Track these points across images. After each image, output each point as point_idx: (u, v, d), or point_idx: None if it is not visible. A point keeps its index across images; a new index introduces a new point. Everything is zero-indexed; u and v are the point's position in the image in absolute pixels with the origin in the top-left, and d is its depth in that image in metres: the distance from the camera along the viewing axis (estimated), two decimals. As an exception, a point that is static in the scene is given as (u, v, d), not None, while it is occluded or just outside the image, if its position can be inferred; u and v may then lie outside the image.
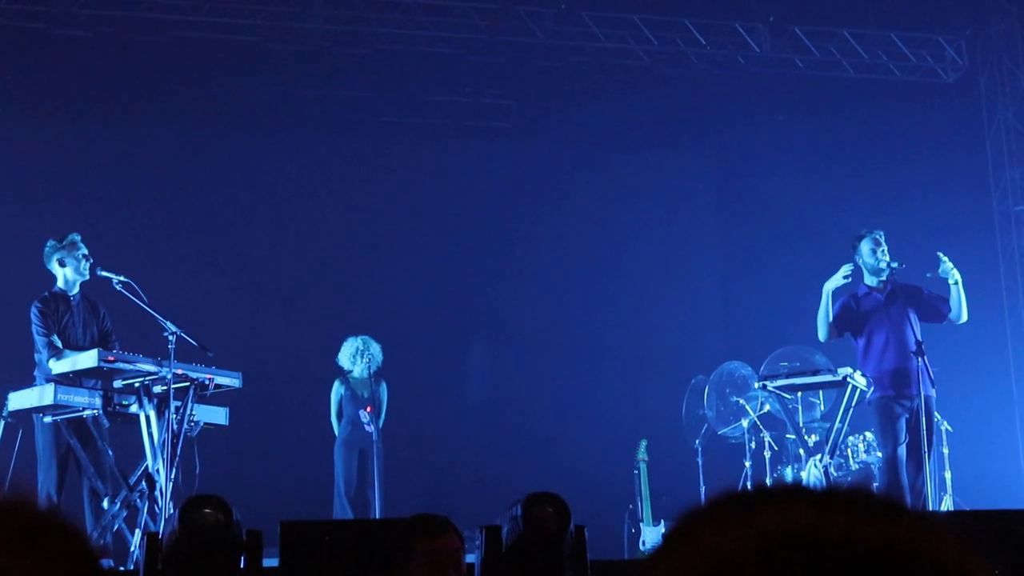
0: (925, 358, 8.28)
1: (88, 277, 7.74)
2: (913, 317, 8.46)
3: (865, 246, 8.58)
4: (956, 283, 8.44)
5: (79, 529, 1.09)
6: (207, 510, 5.24)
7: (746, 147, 12.46)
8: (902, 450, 8.31)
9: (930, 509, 8.37)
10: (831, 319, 8.53)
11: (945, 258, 8.46)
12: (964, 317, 8.55)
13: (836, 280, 8.47)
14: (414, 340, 11.12)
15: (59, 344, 7.52)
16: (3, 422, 7.52)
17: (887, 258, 8.51)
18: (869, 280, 8.64)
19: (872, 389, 8.35)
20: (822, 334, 8.56)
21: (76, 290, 7.77)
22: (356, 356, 9.52)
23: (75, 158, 11.30)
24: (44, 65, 10.73)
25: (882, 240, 8.60)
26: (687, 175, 12.99)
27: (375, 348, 9.56)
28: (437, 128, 12.19)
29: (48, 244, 7.81)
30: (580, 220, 12.31)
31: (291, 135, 11.91)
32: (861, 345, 8.59)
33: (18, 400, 7.40)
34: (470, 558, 5.95)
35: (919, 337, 8.37)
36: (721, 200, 13.11)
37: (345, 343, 9.60)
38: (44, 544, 1.03)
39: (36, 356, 7.60)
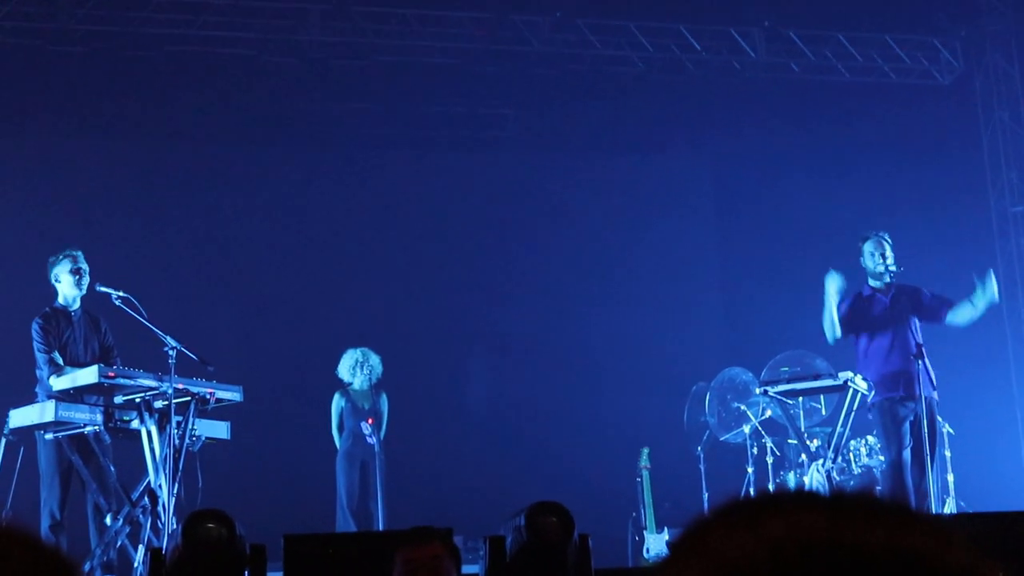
0: (927, 360, 8.28)
1: (87, 292, 7.74)
2: (914, 320, 8.47)
3: (867, 249, 8.60)
4: (990, 303, 8.44)
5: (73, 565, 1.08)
6: (210, 525, 5.25)
7: (743, 152, 12.47)
8: (907, 453, 8.31)
9: (934, 512, 8.37)
10: (839, 318, 8.52)
11: (993, 279, 8.46)
12: (963, 325, 8.55)
13: (832, 290, 8.46)
14: (414, 351, 11.12)
15: (60, 361, 7.52)
16: (4, 440, 7.52)
17: (890, 262, 8.51)
18: (872, 282, 8.65)
19: (873, 392, 8.35)
20: (831, 334, 8.54)
21: (77, 305, 7.78)
22: (356, 368, 9.52)
23: (74, 173, 11.31)
24: (40, 81, 10.74)
25: (886, 244, 8.59)
26: (685, 181, 12.99)
27: (375, 360, 9.56)
28: (435, 139, 12.20)
29: (51, 258, 7.81)
30: (579, 228, 12.31)
31: (289, 148, 11.92)
32: (863, 347, 8.60)
33: (19, 417, 7.40)
34: (474, 568, 5.96)
35: (920, 340, 8.38)
36: (719, 206, 13.11)
37: (345, 355, 9.61)
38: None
39: (37, 372, 7.60)
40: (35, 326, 7.61)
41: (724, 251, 12.98)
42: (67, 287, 7.74)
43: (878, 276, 8.58)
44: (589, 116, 12.01)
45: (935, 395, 8.40)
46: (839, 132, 11.94)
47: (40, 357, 7.56)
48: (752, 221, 12.41)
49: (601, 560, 6.15)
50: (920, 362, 8.25)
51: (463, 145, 12.32)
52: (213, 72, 10.92)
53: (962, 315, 8.51)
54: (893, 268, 8.50)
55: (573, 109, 11.93)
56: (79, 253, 7.81)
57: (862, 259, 8.65)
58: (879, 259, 8.53)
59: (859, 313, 8.57)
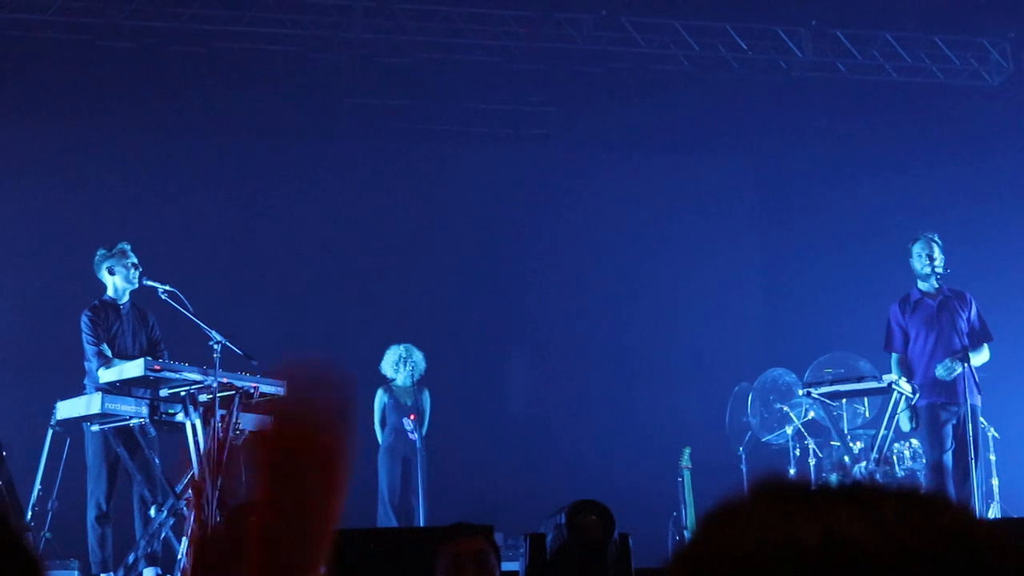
0: (971, 365, 8.23)
1: (137, 286, 7.81)
2: (962, 325, 8.41)
3: (916, 250, 8.55)
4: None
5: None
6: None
7: (788, 152, 12.41)
8: (948, 457, 8.26)
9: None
10: (893, 328, 8.56)
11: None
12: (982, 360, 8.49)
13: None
14: (456, 348, 11.14)
15: (108, 353, 7.59)
16: (51, 431, 7.60)
17: (938, 263, 8.46)
18: (921, 285, 8.60)
19: (918, 396, 8.30)
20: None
21: (126, 299, 7.85)
22: (399, 364, 9.56)
23: (121, 167, 11.40)
24: (90, 76, 10.82)
25: (935, 245, 8.53)
26: (729, 180, 12.94)
27: (418, 356, 9.60)
28: (478, 136, 12.21)
29: (98, 253, 7.88)
30: (621, 227, 12.28)
31: (333, 144, 11.97)
32: (909, 350, 8.56)
33: (66, 409, 7.48)
34: (515, 566, 5.97)
35: (965, 343, 8.32)
36: (763, 205, 13.06)
37: (388, 351, 9.65)
38: None
39: (86, 364, 7.67)
40: (84, 318, 7.68)
41: (767, 251, 12.92)
42: (119, 280, 7.81)
43: (926, 278, 8.53)
44: (633, 114, 11.96)
45: (979, 400, 8.34)
46: (886, 133, 11.85)
47: (89, 349, 7.63)
48: (796, 221, 12.35)
49: (641, 559, 6.15)
50: (965, 366, 8.20)
51: (506, 143, 12.33)
52: (256, 68, 10.96)
53: (979, 355, 8.48)
54: (940, 270, 8.45)
55: (617, 108, 11.90)
56: (129, 247, 7.87)
57: (911, 260, 8.61)
58: (927, 261, 8.48)
59: (905, 319, 8.55)
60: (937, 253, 8.49)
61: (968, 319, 8.48)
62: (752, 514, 0.95)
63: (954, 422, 8.28)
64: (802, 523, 0.92)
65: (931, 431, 8.32)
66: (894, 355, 8.60)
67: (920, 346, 8.48)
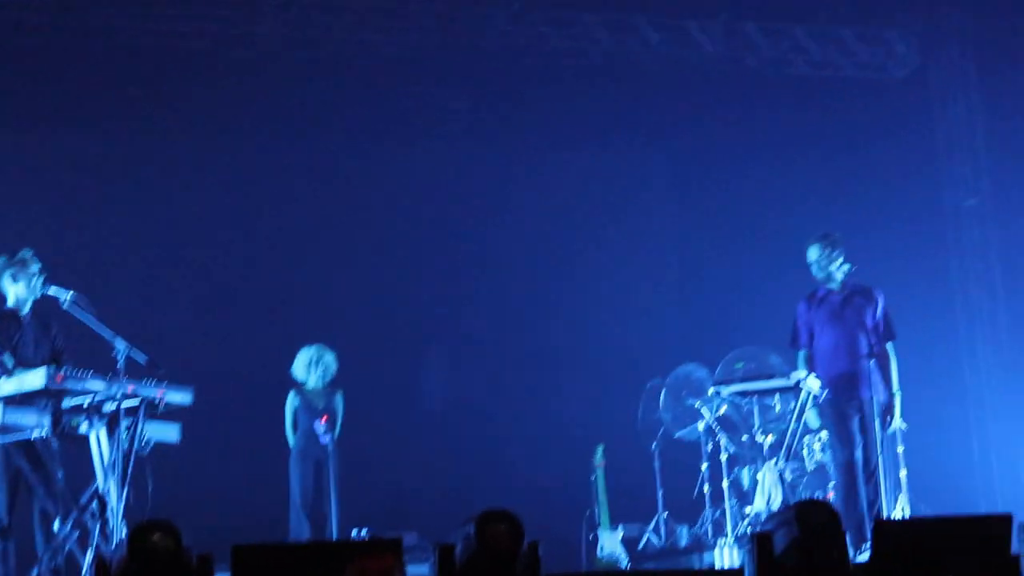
0: (875, 361, 8.32)
1: (40, 295, 7.61)
2: (867, 321, 8.49)
3: (810, 257, 8.61)
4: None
5: None
6: (156, 535, 5.20)
7: (700, 147, 12.46)
8: (858, 453, 8.35)
9: (884, 511, 8.44)
10: (798, 325, 8.62)
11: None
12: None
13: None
14: (370, 349, 11.04)
15: (9, 364, 7.40)
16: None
17: (835, 267, 8.53)
18: (828, 283, 8.67)
19: (825, 393, 8.38)
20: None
21: (28, 308, 7.66)
22: (310, 366, 9.48)
23: (22, 167, 11.14)
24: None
25: (832, 245, 8.59)
26: (642, 176, 12.97)
27: (329, 357, 9.52)
28: (390, 132, 12.10)
29: (1, 258, 7.67)
30: (535, 223, 12.26)
31: (241, 142, 11.79)
32: (813, 346, 8.64)
33: (-36, 422, 7.29)
34: (426, 570, 5.93)
35: (871, 340, 8.41)
36: (676, 200, 13.11)
37: (299, 353, 9.56)
38: None
39: None
40: None
41: (681, 246, 12.98)
42: (21, 289, 7.61)
43: (824, 281, 8.61)
44: (545, 110, 11.95)
45: (883, 396, 8.42)
46: (796, 125, 11.93)
47: None
48: (709, 215, 12.42)
49: (556, 560, 6.14)
50: (870, 362, 8.29)
51: (416, 140, 12.23)
52: (168, 64, 10.79)
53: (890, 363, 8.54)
54: (837, 271, 8.52)
55: (529, 103, 11.87)
56: (31, 254, 7.65)
57: (809, 264, 8.68)
58: (823, 267, 8.55)
59: (810, 315, 8.62)
60: (833, 256, 8.55)
61: (873, 315, 8.56)
62: None
63: (859, 417, 8.36)
64: None
65: (837, 427, 8.41)
66: (800, 352, 8.68)
67: (823, 342, 8.57)
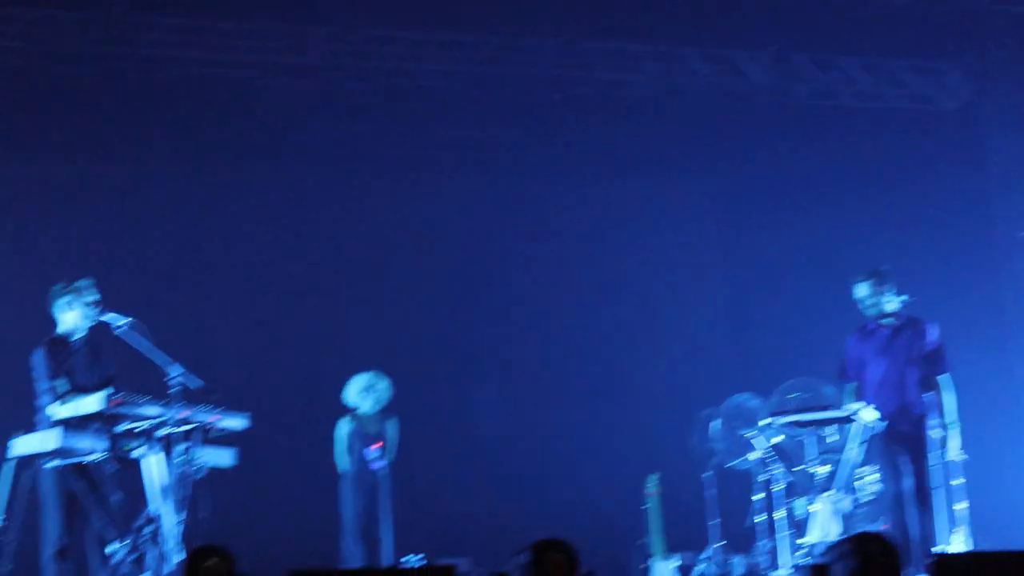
0: (933, 393, 8.24)
1: (94, 323, 7.65)
2: (915, 354, 8.42)
3: (860, 292, 8.56)
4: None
5: None
6: (212, 560, 5.23)
7: (751, 177, 12.44)
8: (907, 483, 8.26)
9: (937, 544, 8.33)
10: (841, 373, 8.58)
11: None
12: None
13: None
14: (422, 376, 11.05)
15: (61, 390, 7.44)
16: (9, 464, 7.44)
17: (886, 301, 8.46)
18: (878, 318, 8.60)
19: (881, 424, 8.28)
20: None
21: (81, 334, 7.70)
22: (364, 392, 9.49)
23: (74, 197, 11.23)
24: (42, 102, 10.67)
25: (881, 281, 8.52)
26: (691, 206, 12.95)
27: (383, 384, 9.53)
28: (440, 162, 12.14)
29: (55, 288, 7.72)
30: (586, 254, 12.25)
31: (294, 171, 11.86)
32: (862, 379, 8.57)
33: (22, 446, 7.32)
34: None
35: (922, 372, 8.32)
36: (727, 229, 13.07)
37: (353, 380, 9.57)
38: None
39: (36, 403, 7.50)
40: (37, 355, 7.53)
41: (732, 276, 12.93)
42: (76, 317, 7.66)
43: (875, 317, 8.55)
44: (594, 140, 11.96)
45: (939, 428, 8.31)
46: (844, 157, 11.90)
47: (41, 386, 7.47)
48: (760, 247, 12.36)
49: (608, 591, 6.11)
50: (919, 396, 8.23)
51: (468, 169, 12.27)
52: (216, 95, 10.87)
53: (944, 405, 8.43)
54: (885, 308, 8.45)
55: (578, 133, 11.89)
56: (88, 283, 7.67)
57: (857, 302, 8.63)
58: (871, 304, 8.49)
59: (861, 346, 8.57)
60: (881, 291, 8.48)
61: (922, 348, 8.48)
62: None
63: (906, 450, 8.26)
64: None
65: (883, 461, 8.32)
66: (848, 385, 8.63)
67: (871, 376, 8.51)
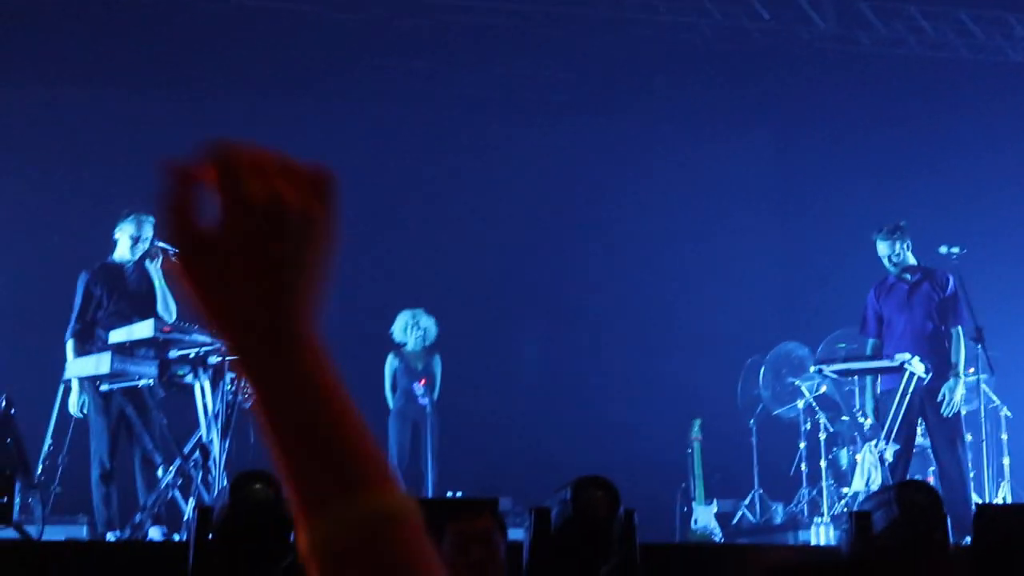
0: (951, 344, 8.20)
1: (136, 258, 7.76)
2: (933, 308, 8.36)
3: (883, 249, 8.48)
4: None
5: None
6: (257, 486, 5.29)
7: (808, 125, 12.29)
8: (917, 441, 8.33)
9: (981, 496, 8.34)
10: (862, 328, 8.55)
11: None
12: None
13: None
14: (470, 315, 11.09)
15: (78, 326, 7.59)
16: (63, 385, 7.59)
17: (903, 257, 8.39)
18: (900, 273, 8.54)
19: (930, 376, 8.24)
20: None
21: (132, 260, 7.80)
22: (409, 329, 9.57)
23: (133, 127, 11.31)
24: (103, 34, 10.71)
25: (901, 237, 8.43)
26: (747, 153, 12.83)
27: (428, 321, 9.60)
28: (496, 101, 12.11)
29: (123, 212, 7.83)
30: (640, 197, 12.17)
31: (349, 105, 11.86)
32: (883, 334, 8.54)
33: (76, 368, 7.48)
34: (520, 533, 5.96)
35: (941, 324, 8.28)
36: (782, 180, 12.94)
37: (399, 316, 9.66)
38: None
39: (76, 325, 7.67)
40: (80, 281, 7.70)
41: (785, 225, 12.83)
42: (123, 248, 7.79)
43: (897, 272, 8.49)
44: (652, 84, 11.86)
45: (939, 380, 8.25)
46: (907, 107, 11.74)
47: (79, 308, 7.65)
48: (813, 196, 12.24)
49: (648, 531, 6.15)
50: (942, 346, 8.19)
51: (523, 109, 12.21)
52: (272, 27, 10.85)
53: (954, 349, 8.34)
54: (901, 262, 8.38)
55: (636, 77, 11.80)
56: (144, 221, 7.76)
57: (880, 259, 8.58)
58: (895, 259, 8.42)
59: (881, 302, 8.53)
60: (902, 247, 8.41)
61: (942, 300, 8.40)
62: None
63: (915, 404, 8.22)
64: None
65: (892, 416, 8.26)
66: (870, 340, 8.59)
67: (892, 330, 8.47)
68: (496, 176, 12.00)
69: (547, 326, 12.12)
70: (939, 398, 8.14)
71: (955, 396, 8.16)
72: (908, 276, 8.45)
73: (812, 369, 8.95)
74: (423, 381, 9.28)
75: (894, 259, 8.42)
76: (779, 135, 12.97)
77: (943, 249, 8.66)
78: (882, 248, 8.48)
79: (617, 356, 11.61)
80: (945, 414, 8.15)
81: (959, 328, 8.32)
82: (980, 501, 8.33)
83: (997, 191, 11.48)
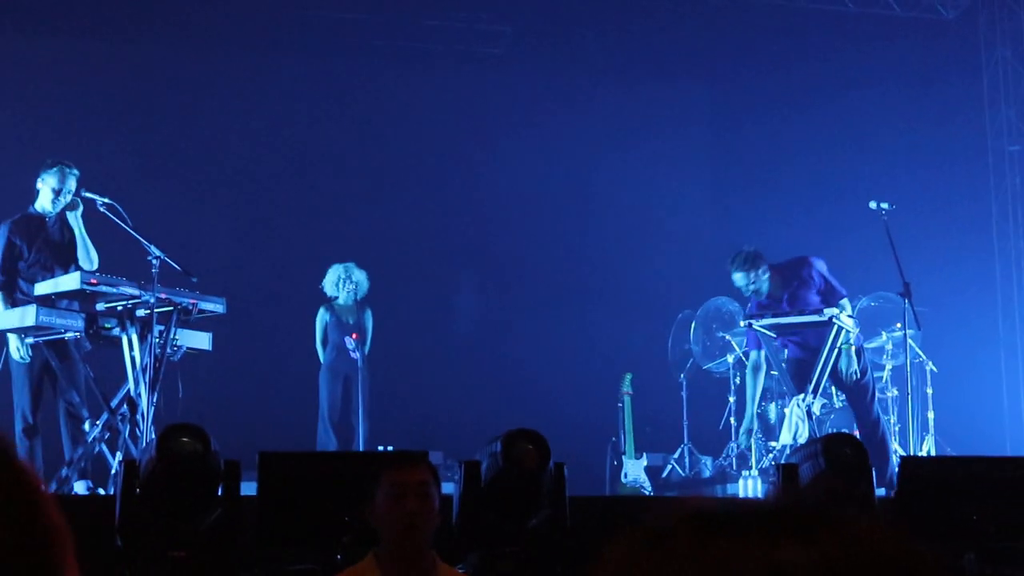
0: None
1: (55, 211, 7.61)
2: (814, 291, 8.45)
3: (739, 281, 8.56)
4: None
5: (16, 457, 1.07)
6: (184, 439, 5.24)
7: (741, 81, 12.33)
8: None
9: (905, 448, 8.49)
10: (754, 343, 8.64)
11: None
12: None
13: None
14: (401, 269, 11.05)
15: (3, 278, 7.46)
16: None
17: (759, 283, 8.45)
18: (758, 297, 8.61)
19: (858, 331, 8.33)
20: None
21: (54, 212, 7.66)
22: (341, 283, 9.50)
23: (60, 76, 11.11)
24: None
25: (750, 267, 8.49)
26: (680, 108, 12.85)
27: (359, 275, 9.54)
28: (429, 53, 12.02)
29: (46, 162, 7.68)
30: (570, 152, 12.17)
31: (280, 58, 11.73)
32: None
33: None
34: (450, 488, 5.98)
35: (844, 292, 8.40)
36: (713, 134, 13.00)
37: (330, 270, 9.59)
38: None
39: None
40: (1, 232, 7.55)
41: (718, 182, 12.89)
42: (45, 200, 7.65)
43: (756, 296, 8.56)
44: (585, 37, 11.84)
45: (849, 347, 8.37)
46: (840, 64, 11.79)
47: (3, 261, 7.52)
48: (746, 150, 12.31)
49: (579, 484, 6.18)
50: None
51: (458, 60, 12.14)
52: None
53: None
54: (766, 288, 8.44)
55: (570, 30, 11.76)
56: (67, 172, 7.61)
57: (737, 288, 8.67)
58: (752, 288, 8.48)
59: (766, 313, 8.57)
60: (751, 278, 8.46)
61: (817, 284, 8.49)
62: (687, 553, 0.90)
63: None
64: (746, 562, 0.88)
65: (820, 370, 8.35)
66: (752, 352, 8.78)
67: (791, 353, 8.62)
68: (431, 128, 11.93)
69: (479, 281, 12.12)
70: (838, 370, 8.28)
71: (851, 366, 8.29)
72: (776, 292, 8.50)
73: (742, 324, 9.02)
74: (355, 335, 9.24)
75: (752, 287, 8.48)
76: (711, 90, 13.01)
77: (873, 204, 8.73)
78: (738, 279, 8.54)
79: (549, 311, 11.62)
80: (848, 384, 8.32)
81: (843, 301, 8.42)
82: (904, 454, 8.47)
83: (925, 147, 11.59)
